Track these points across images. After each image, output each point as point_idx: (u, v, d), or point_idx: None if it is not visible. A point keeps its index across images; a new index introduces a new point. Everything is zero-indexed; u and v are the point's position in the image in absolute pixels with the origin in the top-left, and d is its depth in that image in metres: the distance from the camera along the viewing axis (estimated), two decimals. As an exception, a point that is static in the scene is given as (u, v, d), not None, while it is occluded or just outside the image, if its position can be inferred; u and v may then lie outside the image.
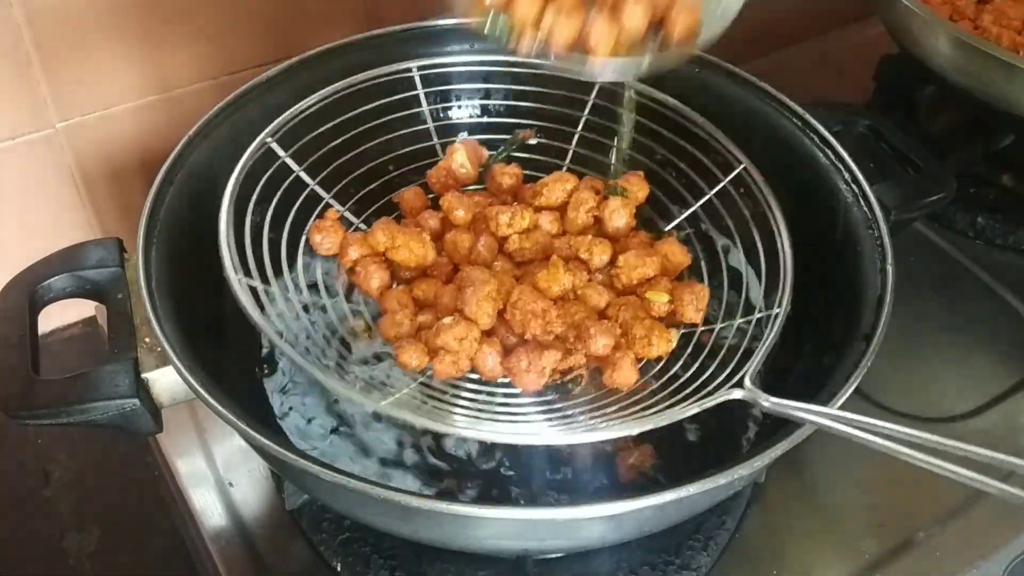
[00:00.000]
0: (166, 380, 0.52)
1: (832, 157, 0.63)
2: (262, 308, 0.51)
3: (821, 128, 0.64)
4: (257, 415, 0.56)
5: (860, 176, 0.61)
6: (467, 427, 0.47)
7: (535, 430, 0.51)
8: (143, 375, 0.51)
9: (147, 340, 0.52)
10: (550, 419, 0.51)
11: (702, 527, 0.60)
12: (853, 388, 0.49)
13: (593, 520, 0.47)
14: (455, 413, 0.50)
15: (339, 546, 0.58)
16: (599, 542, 0.56)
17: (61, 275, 0.55)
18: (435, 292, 0.57)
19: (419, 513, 0.45)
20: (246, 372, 0.63)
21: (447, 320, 0.53)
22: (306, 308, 0.56)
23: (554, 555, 0.58)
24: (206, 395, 0.47)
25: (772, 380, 0.64)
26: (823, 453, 0.65)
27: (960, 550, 0.61)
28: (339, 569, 0.58)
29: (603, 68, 0.50)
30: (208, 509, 0.61)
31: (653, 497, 0.44)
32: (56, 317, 0.75)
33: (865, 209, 0.60)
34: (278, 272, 0.55)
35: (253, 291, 0.52)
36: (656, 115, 0.65)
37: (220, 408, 0.47)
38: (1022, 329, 0.75)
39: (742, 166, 0.61)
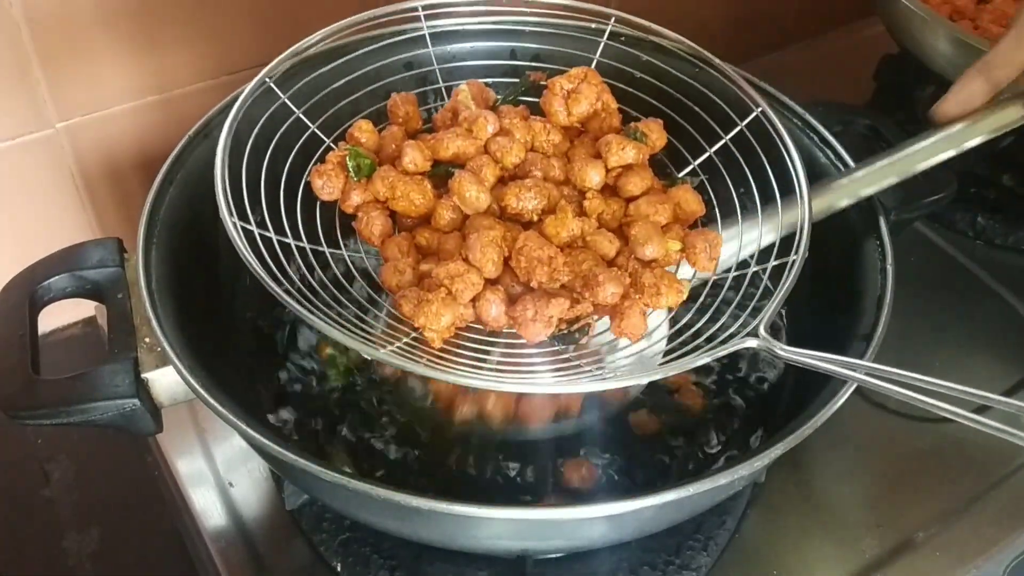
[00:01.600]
0: (166, 380, 0.51)
1: (832, 157, 0.63)
2: (258, 254, 0.49)
3: (821, 128, 0.64)
4: (257, 415, 0.56)
5: (860, 176, 0.61)
6: (469, 376, 0.45)
7: (543, 380, 0.49)
8: (143, 375, 0.51)
9: (147, 340, 0.52)
10: (559, 368, 0.50)
11: (702, 527, 0.60)
12: (853, 388, 0.49)
13: (593, 520, 0.47)
14: (457, 362, 0.47)
15: (339, 546, 0.58)
16: (599, 542, 0.56)
17: (61, 275, 0.55)
18: (438, 239, 0.54)
19: (419, 513, 0.45)
20: (246, 372, 0.63)
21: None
22: (304, 253, 0.54)
23: (554, 555, 0.58)
24: (206, 395, 0.47)
25: (779, 378, 0.64)
26: (823, 453, 0.65)
27: (960, 550, 0.61)
28: (339, 569, 0.58)
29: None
30: (208, 509, 0.61)
31: (653, 497, 0.44)
32: (56, 317, 0.75)
33: (865, 209, 0.60)
34: (275, 216, 0.54)
35: (248, 234, 0.50)
36: (672, 57, 0.64)
37: (220, 408, 0.47)
38: (1022, 329, 0.75)
39: (759, 109, 0.59)
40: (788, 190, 0.56)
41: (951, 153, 0.60)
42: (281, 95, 0.58)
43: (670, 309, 0.52)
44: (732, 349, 0.48)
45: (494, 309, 0.50)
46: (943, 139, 0.60)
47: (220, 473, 0.64)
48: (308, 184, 0.56)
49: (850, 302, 0.56)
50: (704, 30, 0.68)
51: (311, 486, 0.54)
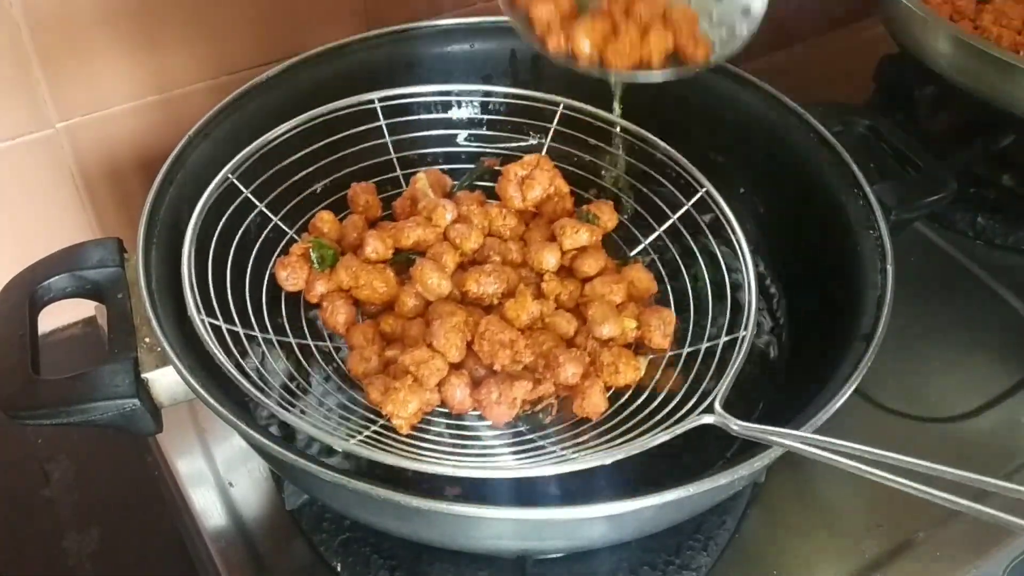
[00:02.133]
0: (166, 380, 0.52)
1: (832, 157, 0.63)
2: (226, 349, 0.50)
3: (821, 128, 0.64)
4: (257, 415, 0.56)
5: (860, 176, 0.61)
6: (435, 463, 0.46)
7: (505, 463, 0.50)
8: (143, 375, 0.51)
9: (147, 340, 0.52)
10: (521, 451, 0.51)
11: (702, 527, 0.60)
12: (853, 388, 0.49)
13: (593, 520, 0.47)
14: (424, 448, 0.49)
15: (339, 546, 0.58)
16: (599, 542, 0.56)
17: (61, 275, 0.55)
18: (402, 325, 0.56)
19: (419, 513, 0.45)
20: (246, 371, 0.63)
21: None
22: (271, 344, 0.56)
23: (554, 555, 0.58)
24: (206, 395, 0.47)
25: (774, 380, 0.64)
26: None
27: (960, 550, 0.61)
28: (339, 569, 0.58)
29: (623, 76, 0.55)
30: (208, 509, 0.61)
31: (653, 497, 0.44)
32: (56, 317, 0.75)
33: (865, 209, 0.60)
34: (242, 311, 0.55)
35: (217, 330, 0.51)
36: (619, 141, 0.65)
37: (220, 408, 0.47)
38: (1022, 329, 0.75)
39: (704, 190, 0.61)
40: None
41: None
42: (244, 190, 0.59)
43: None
44: (689, 427, 0.49)
45: (459, 393, 0.52)
46: None
47: (220, 473, 0.64)
48: (272, 276, 0.59)
49: (850, 302, 0.56)
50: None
51: (311, 486, 0.54)
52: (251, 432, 0.46)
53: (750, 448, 0.47)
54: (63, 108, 0.68)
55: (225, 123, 0.62)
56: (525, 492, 0.48)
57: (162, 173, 0.57)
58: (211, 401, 0.47)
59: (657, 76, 0.57)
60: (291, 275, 0.58)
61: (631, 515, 0.46)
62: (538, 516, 0.45)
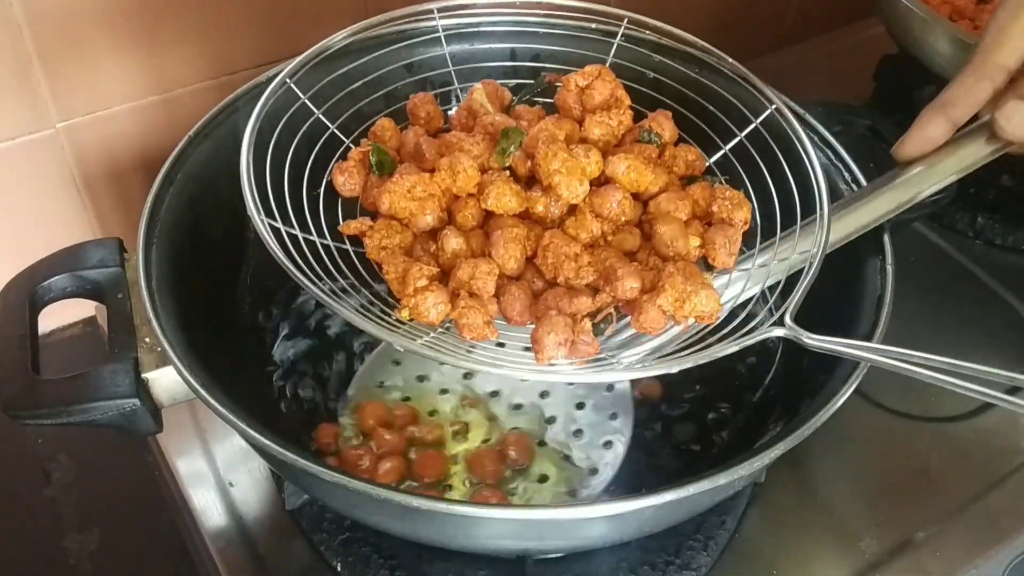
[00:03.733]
0: (166, 380, 0.51)
1: (832, 157, 0.63)
2: (286, 250, 0.49)
3: (821, 128, 0.64)
4: (257, 414, 0.56)
5: (860, 176, 0.61)
6: (496, 364, 0.46)
7: (565, 369, 0.49)
8: (143, 375, 0.51)
9: (147, 340, 0.52)
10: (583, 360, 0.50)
11: (702, 527, 0.60)
12: (853, 388, 0.49)
13: (593, 520, 0.47)
14: (485, 353, 0.48)
15: (339, 546, 0.58)
16: (599, 542, 0.56)
17: (61, 275, 0.55)
18: (465, 236, 0.54)
19: (419, 513, 0.45)
20: (246, 371, 0.63)
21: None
22: (328, 249, 0.54)
23: (554, 555, 0.58)
24: (206, 395, 0.47)
25: (774, 378, 0.64)
26: (823, 453, 0.65)
27: (960, 550, 0.61)
28: (339, 569, 0.58)
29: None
30: (208, 509, 0.62)
31: (653, 497, 0.44)
32: (56, 317, 0.75)
33: (865, 209, 0.60)
34: (300, 214, 0.54)
35: (276, 232, 0.50)
36: (683, 56, 0.65)
37: (220, 408, 0.47)
38: (1021, 328, 0.75)
39: (773, 106, 0.60)
40: (806, 187, 0.56)
41: (912, 197, 0.59)
42: (301, 95, 0.59)
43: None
44: (760, 338, 0.48)
45: (518, 304, 0.50)
46: (903, 183, 0.59)
47: (220, 473, 0.64)
48: (328, 184, 0.57)
49: (850, 302, 0.56)
50: (704, 30, 0.69)
51: (311, 486, 0.54)
52: (251, 432, 0.46)
53: (750, 447, 0.47)
54: (64, 108, 0.68)
55: (226, 123, 0.62)
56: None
57: (163, 173, 0.57)
58: (211, 401, 0.47)
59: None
60: (348, 180, 0.57)
61: (631, 515, 0.46)
62: (538, 516, 0.45)
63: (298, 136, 0.58)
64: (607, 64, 0.64)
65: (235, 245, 0.63)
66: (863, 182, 0.60)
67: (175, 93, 0.72)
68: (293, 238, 0.51)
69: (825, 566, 0.60)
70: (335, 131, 0.60)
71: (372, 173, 0.57)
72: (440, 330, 0.49)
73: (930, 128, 0.58)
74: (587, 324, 0.49)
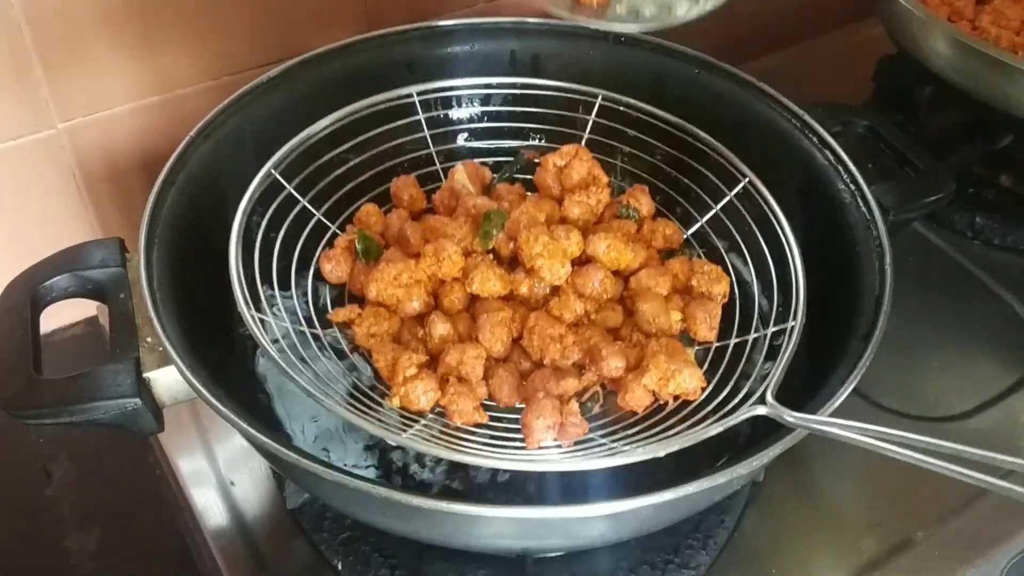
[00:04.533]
0: (167, 379, 0.52)
1: (831, 158, 0.63)
2: (274, 341, 0.51)
3: (820, 128, 0.64)
4: (258, 414, 0.56)
5: (859, 176, 0.61)
6: (484, 456, 0.47)
7: (552, 456, 0.50)
8: (144, 374, 0.51)
9: (149, 340, 0.52)
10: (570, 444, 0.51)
11: (701, 526, 0.60)
12: (852, 388, 0.49)
13: (592, 519, 0.47)
14: (471, 442, 0.49)
15: (340, 545, 0.59)
16: (599, 541, 0.56)
17: (63, 275, 0.55)
18: (451, 320, 0.56)
19: (419, 512, 0.45)
20: (247, 371, 0.63)
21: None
22: (316, 338, 0.57)
23: (554, 554, 0.58)
24: (207, 394, 0.48)
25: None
26: (822, 452, 0.65)
27: (959, 549, 0.61)
28: (340, 568, 0.58)
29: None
30: (209, 508, 0.62)
31: (652, 496, 0.44)
32: (58, 317, 0.75)
33: (864, 209, 0.60)
34: (289, 305, 0.57)
35: (263, 324, 0.52)
36: (656, 130, 0.65)
37: (221, 407, 0.47)
38: (1021, 329, 0.75)
39: (746, 179, 0.61)
40: (783, 258, 0.57)
41: None
42: (287, 185, 0.60)
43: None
44: (742, 418, 0.49)
45: (507, 387, 0.52)
46: None
47: (221, 472, 0.64)
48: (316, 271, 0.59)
49: (849, 302, 0.57)
50: (703, 31, 0.69)
51: (312, 485, 0.54)
52: (252, 431, 0.46)
53: (750, 447, 0.48)
54: (64, 109, 0.68)
55: (227, 124, 0.62)
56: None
57: (164, 173, 0.58)
58: (212, 400, 0.47)
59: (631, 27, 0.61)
60: (335, 268, 0.60)
61: (630, 514, 0.46)
62: (538, 515, 0.45)
63: (285, 225, 0.59)
64: (583, 141, 0.66)
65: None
66: (861, 183, 0.61)
67: (176, 93, 0.72)
68: (282, 329, 0.53)
69: (824, 565, 0.60)
70: (321, 218, 0.62)
71: (359, 260, 0.59)
72: (430, 417, 0.51)
73: None
74: (574, 405, 0.51)
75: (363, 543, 0.59)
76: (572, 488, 0.53)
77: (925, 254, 0.80)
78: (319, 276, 0.61)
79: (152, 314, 0.50)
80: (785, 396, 0.62)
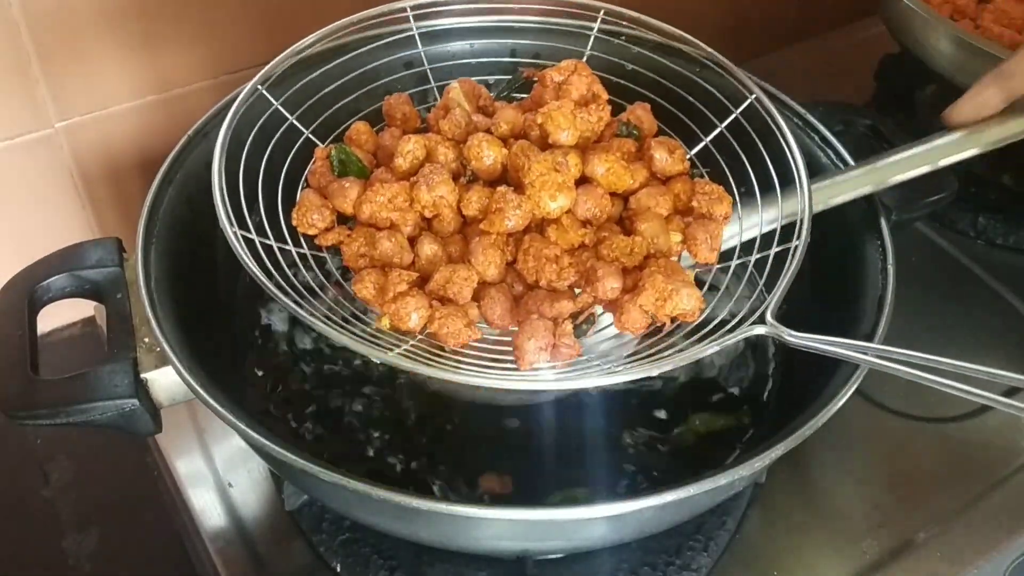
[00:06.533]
0: (165, 380, 0.51)
1: (833, 157, 0.63)
2: (259, 261, 0.49)
3: (822, 127, 0.64)
4: (256, 414, 0.56)
5: (861, 176, 0.61)
6: (478, 375, 0.45)
7: (548, 376, 0.48)
8: (142, 375, 0.51)
9: (146, 340, 0.52)
10: (565, 363, 0.49)
11: (703, 528, 0.60)
12: (854, 388, 0.49)
13: (593, 521, 0.47)
14: (464, 362, 0.47)
15: (339, 546, 0.58)
16: (599, 543, 0.56)
17: (60, 275, 0.55)
18: (442, 241, 0.54)
19: (418, 513, 0.44)
20: (245, 371, 0.63)
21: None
22: (304, 258, 0.54)
23: (554, 555, 0.58)
24: (205, 395, 0.47)
25: (773, 378, 0.64)
26: (824, 454, 0.65)
27: (961, 551, 0.61)
28: (339, 570, 0.58)
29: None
30: (207, 509, 0.61)
31: (653, 498, 0.44)
32: (55, 317, 0.75)
33: (866, 209, 0.60)
34: (275, 223, 0.54)
35: (249, 243, 0.50)
36: (663, 49, 0.64)
37: (219, 408, 0.47)
38: (1023, 329, 0.75)
39: (753, 96, 0.59)
40: (787, 178, 0.56)
41: (954, 158, 0.60)
42: (274, 101, 0.58)
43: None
44: (741, 336, 0.48)
45: (499, 308, 0.50)
46: (946, 144, 0.61)
47: (219, 473, 0.63)
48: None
49: (851, 302, 0.56)
50: (703, 30, 0.68)
51: (311, 487, 0.54)
52: (251, 432, 0.46)
53: (752, 448, 0.47)
54: (62, 107, 0.68)
55: (219, 132, 0.61)
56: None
57: (161, 172, 0.57)
58: (210, 401, 0.47)
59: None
60: (310, 225, 0.55)
61: (631, 515, 0.46)
62: (538, 516, 0.44)
63: (272, 143, 0.57)
64: (584, 58, 0.63)
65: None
66: (864, 182, 0.60)
67: (174, 92, 0.72)
68: (267, 248, 0.51)
69: (826, 567, 0.60)
70: (310, 136, 0.60)
71: (333, 172, 0.56)
72: (419, 336, 0.49)
73: (986, 95, 0.59)
74: (568, 327, 0.49)
75: (362, 544, 0.58)
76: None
77: (928, 254, 0.80)
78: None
79: (150, 314, 0.50)
80: (786, 396, 0.62)
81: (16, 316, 0.52)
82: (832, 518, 0.62)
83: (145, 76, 0.70)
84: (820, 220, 0.62)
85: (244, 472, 0.63)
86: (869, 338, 0.52)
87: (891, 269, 0.56)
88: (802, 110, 0.65)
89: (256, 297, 0.64)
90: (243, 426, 0.46)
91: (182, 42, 0.70)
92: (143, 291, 0.51)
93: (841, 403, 0.48)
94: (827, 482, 0.64)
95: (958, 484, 0.64)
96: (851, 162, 0.62)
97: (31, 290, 0.54)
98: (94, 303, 0.56)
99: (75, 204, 0.73)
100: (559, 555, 0.58)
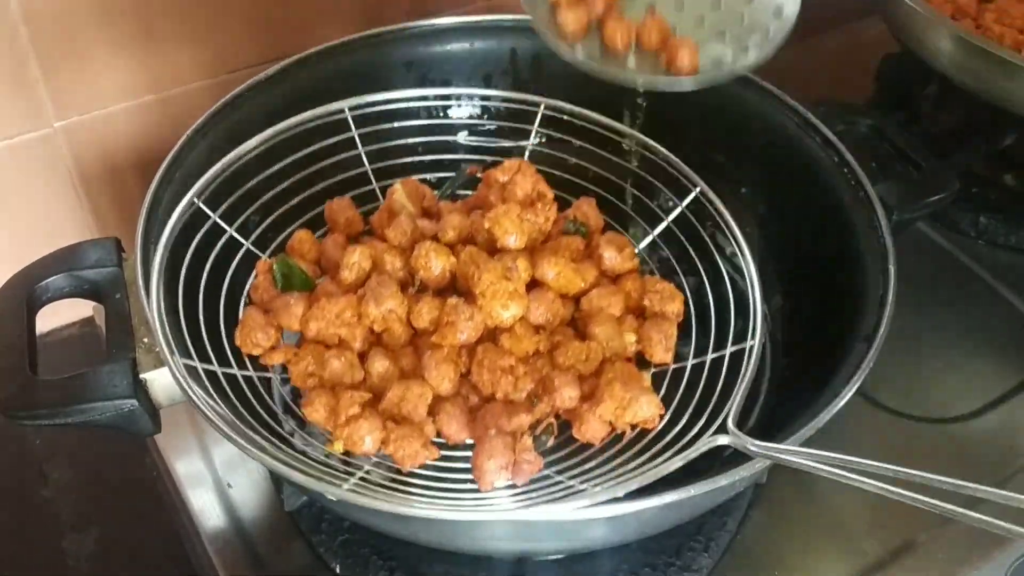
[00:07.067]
0: (164, 380, 0.51)
1: (834, 157, 0.63)
2: (205, 388, 0.48)
3: (823, 127, 0.64)
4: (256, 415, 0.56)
5: (862, 176, 0.61)
6: (434, 508, 0.44)
7: (505, 503, 0.47)
8: (141, 375, 0.51)
9: (145, 340, 0.52)
10: (527, 481, 0.48)
11: (703, 528, 0.60)
12: (855, 389, 0.49)
13: (593, 521, 0.47)
14: (417, 490, 0.46)
15: (338, 547, 0.58)
16: (600, 544, 0.56)
17: (59, 275, 0.55)
18: (393, 356, 0.53)
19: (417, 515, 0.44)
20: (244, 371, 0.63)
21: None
22: (250, 381, 0.53)
23: (554, 556, 0.58)
24: (203, 395, 0.47)
25: (772, 380, 0.64)
26: (824, 454, 0.65)
27: (962, 551, 0.60)
28: (338, 570, 0.58)
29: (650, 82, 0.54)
30: (207, 510, 0.61)
31: (654, 498, 0.44)
32: (54, 317, 0.75)
33: (867, 209, 0.60)
34: (217, 346, 0.53)
35: (192, 371, 0.49)
36: (605, 141, 0.63)
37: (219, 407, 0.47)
38: (1024, 329, 0.75)
39: (698, 189, 0.59)
40: (739, 270, 0.56)
41: None
42: (211, 214, 0.56)
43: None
44: (702, 450, 0.47)
45: (455, 423, 0.50)
46: None
47: (219, 474, 0.63)
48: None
49: (852, 302, 0.56)
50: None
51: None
52: (251, 432, 0.46)
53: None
54: (61, 107, 0.68)
55: (224, 123, 0.62)
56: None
57: (160, 172, 0.57)
58: (209, 401, 0.47)
59: (686, 83, 0.55)
60: (253, 346, 0.54)
61: (631, 516, 0.46)
62: (538, 517, 0.44)
63: (211, 258, 0.56)
64: (526, 155, 0.63)
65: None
66: (864, 182, 0.60)
67: (173, 92, 0.72)
68: (211, 375, 0.50)
69: (827, 568, 0.60)
70: (250, 247, 0.59)
71: (276, 287, 0.55)
72: (374, 460, 0.48)
73: None
74: (528, 440, 0.49)
75: (361, 545, 0.58)
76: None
77: (929, 254, 0.80)
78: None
79: (148, 315, 0.50)
80: (786, 396, 0.62)
81: (15, 316, 0.52)
82: (833, 519, 0.62)
83: (144, 76, 0.70)
84: (820, 219, 0.62)
85: (243, 472, 0.63)
86: (870, 339, 0.52)
87: (892, 269, 0.56)
88: (803, 110, 0.65)
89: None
90: (244, 426, 0.46)
91: (181, 42, 0.70)
92: (142, 291, 0.51)
93: (841, 403, 0.48)
94: (828, 482, 0.63)
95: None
96: (852, 162, 0.62)
97: (30, 290, 0.54)
98: (93, 303, 0.56)
99: (74, 204, 0.73)
100: (559, 556, 0.58)
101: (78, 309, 0.75)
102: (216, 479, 0.63)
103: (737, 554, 0.60)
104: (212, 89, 0.72)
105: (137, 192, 0.67)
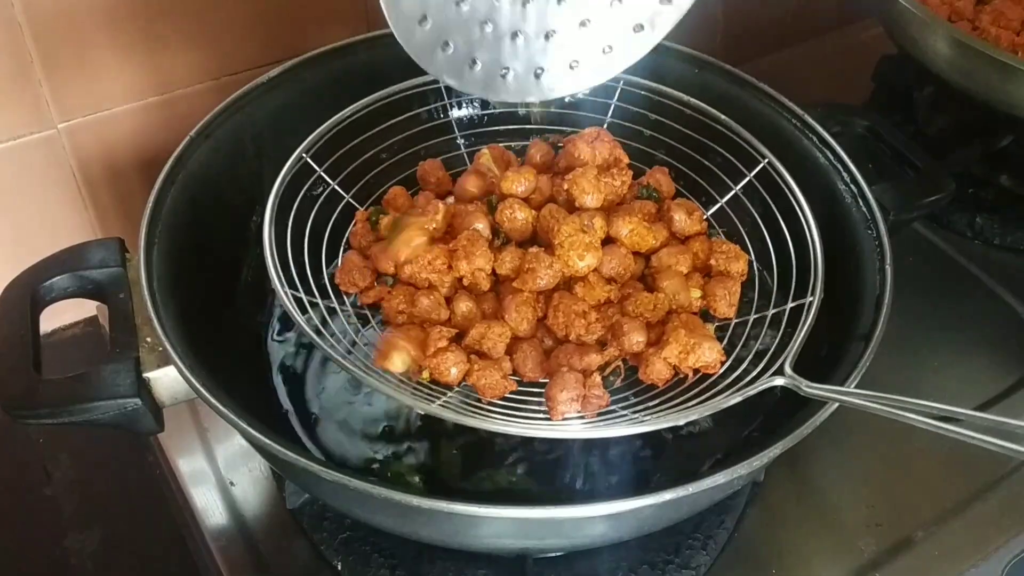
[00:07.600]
0: (167, 379, 0.52)
1: (831, 157, 0.63)
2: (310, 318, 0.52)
3: (820, 128, 0.64)
4: (258, 414, 0.56)
5: (859, 176, 0.61)
6: (511, 425, 0.48)
7: (575, 426, 0.51)
8: (144, 374, 0.51)
9: (148, 340, 0.52)
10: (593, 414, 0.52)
11: (701, 526, 0.60)
12: (853, 388, 0.49)
13: (592, 519, 0.47)
14: (497, 412, 0.50)
15: (340, 545, 0.59)
16: (599, 541, 0.56)
17: (63, 275, 0.55)
18: (476, 299, 0.57)
19: (419, 512, 0.45)
20: (247, 370, 0.63)
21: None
22: (348, 314, 0.57)
23: (554, 553, 0.58)
24: (207, 394, 0.48)
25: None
26: (822, 452, 0.65)
27: (959, 550, 0.61)
28: (340, 568, 0.58)
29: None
30: (209, 508, 0.62)
31: (652, 496, 0.44)
32: (58, 317, 0.75)
33: (864, 210, 0.60)
34: (320, 282, 0.57)
35: (299, 302, 0.53)
36: (676, 113, 0.65)
37: (221, 407, 0.47)
38: (1020, 329, 0.75)
39: (766, 160, 0.61)
40: (800, 236, 0.58)
41: None
42: (317, 168, 0.60)
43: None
44: (760, 388, 0.49)
45: (530, 362, 0.53)
46: None
47: (221, 472, 0.64)
48: (347, 244, 0.60)
49: (849, 302, 0.57)
50: (704, 30, 0.69)
51: (312, 485, 0.54)
52: (252, 431, 0.46)
53: (751, 447, 0.48)
54: (64, 108, 0.68)
55: (227, 124, 0.62)
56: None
57: (164, 173, 0.58)
58: (212, 400, 0.47)
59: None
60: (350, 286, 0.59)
61: (630, 514, 0.46)
62: (538, 515, 0.45)
63: (316, 207, 0.60)
64: (604, 125, 0.65)
65: (236, 245, 0.63)
66: (861, 183, 0.61)
67: (176, 93, 0.72)
68: (313, 305, 0.54)
69: (824, 565, 0.60)
70: (351, 200, 0.63)
71: (373, 231, 0.59)
72: (457, 390, 0.52)
73: None
74: (597, 378, 0.52)
75: (363, 543, 0.59)
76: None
77: (925, 254, 0.80)
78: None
79: (152, 314, 0.51)
80: (786, 397, 0.62)
81: (19, 316, 0.52)
82: (830, 517, 0.63)
83: (147, 77, 0.70)
84: (818, 220, 0.62)
85: (245, 471, 0.63)
86: (867, 338, 0.53)
87: (889, 269, 0.56)
88: (800, 111, 0.65)
89: (257, 296, 0.65)
90: (244, 425, 0.47)
91: (183, 43, 0.70)
92: (145, 291, 0.52)
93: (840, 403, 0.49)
94: (825, 481, 0.64)
95: (956, 483, 0.65)
96: (848, 162, 0.62)
97: (34, 290, 0.54)
98: (96, 303, 0.57)
99: (77, 204, 0.73)
100: (559, 553, 0.58)
101: (82, 309, 0.75)
102: (218, 477, 0.63)
103: (735, 552, 0.60)
104: (215, 90, 0.72)
105: (140, 193, 0.67)
